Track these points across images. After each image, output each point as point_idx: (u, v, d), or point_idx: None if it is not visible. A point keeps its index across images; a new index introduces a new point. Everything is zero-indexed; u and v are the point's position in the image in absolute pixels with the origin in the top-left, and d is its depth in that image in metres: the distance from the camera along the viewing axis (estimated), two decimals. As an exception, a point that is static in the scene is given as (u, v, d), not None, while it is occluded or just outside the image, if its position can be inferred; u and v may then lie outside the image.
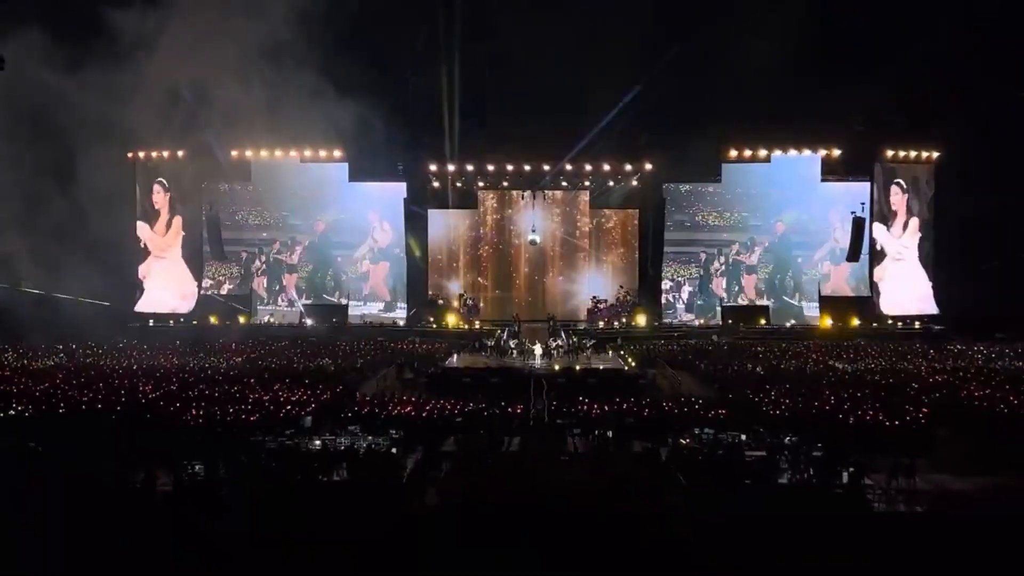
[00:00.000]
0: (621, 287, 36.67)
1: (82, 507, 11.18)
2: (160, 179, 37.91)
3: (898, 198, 36.79)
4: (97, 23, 29.37)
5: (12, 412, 18.58)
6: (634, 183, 37.41)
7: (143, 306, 37.21)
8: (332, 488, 13.33)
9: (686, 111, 34.20)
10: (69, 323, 31.65)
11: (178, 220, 37.94)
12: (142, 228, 37.95)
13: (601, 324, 34.35)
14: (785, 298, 36.96)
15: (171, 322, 36.46)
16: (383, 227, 37.63)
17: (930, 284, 36.56)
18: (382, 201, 37.54)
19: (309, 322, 36.42)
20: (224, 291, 37.90)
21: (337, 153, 36.86)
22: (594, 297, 36.10)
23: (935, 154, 36.55)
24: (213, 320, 36.24)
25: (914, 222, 36.85)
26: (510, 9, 32.81)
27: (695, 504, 12.39)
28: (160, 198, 37.94)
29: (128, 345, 30.42)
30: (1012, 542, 10.46)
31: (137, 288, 37.47)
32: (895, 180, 36.83)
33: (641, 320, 35.08)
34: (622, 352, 27.80)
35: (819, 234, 37.07)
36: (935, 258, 36.61)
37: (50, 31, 29.01)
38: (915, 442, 15.97)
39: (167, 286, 37.67)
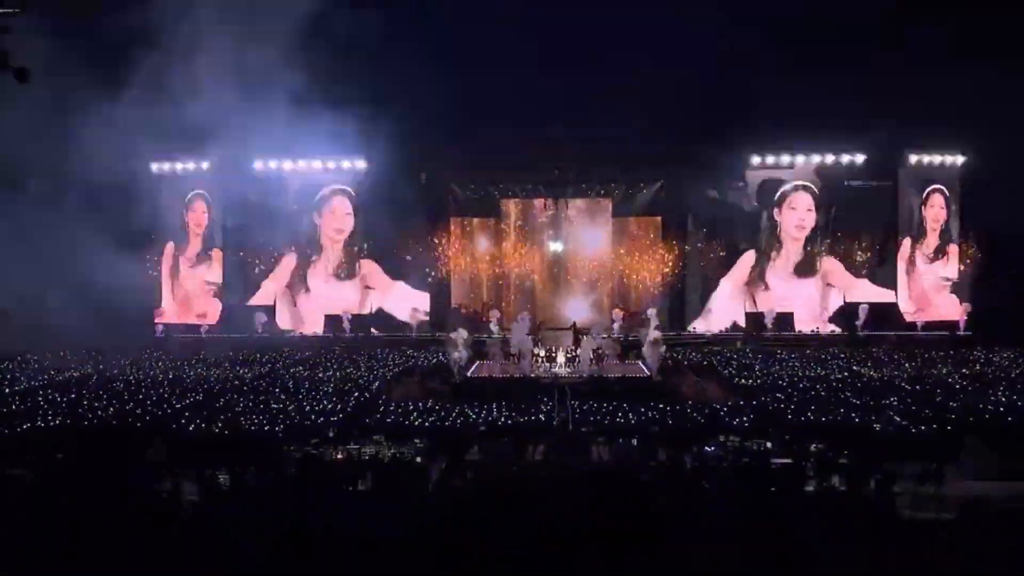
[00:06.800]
0: (647, 303, 36.49)
1: (109, 518, 11.24)
2: (200, 191, 37.69)
3: (936, 211, 36.28)
4: (116, 32, 29.68)
5: (39, 424, 18.77)
6: (656, 190, 37.22)
7: (166, 318, 37.23)
8: (357, 498, 13.35)
9: (709, 116, 34.20)
10: (92, 333, 31.89)
11: (213, 232, 37.93)
12: (169, 244, 37.95)
13: (626, 332, 34.17)
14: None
15: (199, 331, 36.51)
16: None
17: (952, 289, 36.20)
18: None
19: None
20: (253, 301, 37.67)
21: (360, 164, 36.87)
22: (619, 306, 35.94)
23: (960, 159, 36.13)
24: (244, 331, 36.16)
25: (946, 229, 36.39)
26: (528, 15, 33.00)
27: (720, 512, 12.32)
28: (199, 216, 37.83)
29: (152, 356, 30.66)
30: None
31: (156, 301, 37.43)
32: (937, 188, 36.30)
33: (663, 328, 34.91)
34: (646, 360, 27.73)
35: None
36: (961, 263, 36.21)
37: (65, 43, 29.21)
38: (942, 448, 15.85)
39: (190, 298, 37.64)
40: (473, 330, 30.64)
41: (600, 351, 27.36)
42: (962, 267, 35.85)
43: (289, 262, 37.55)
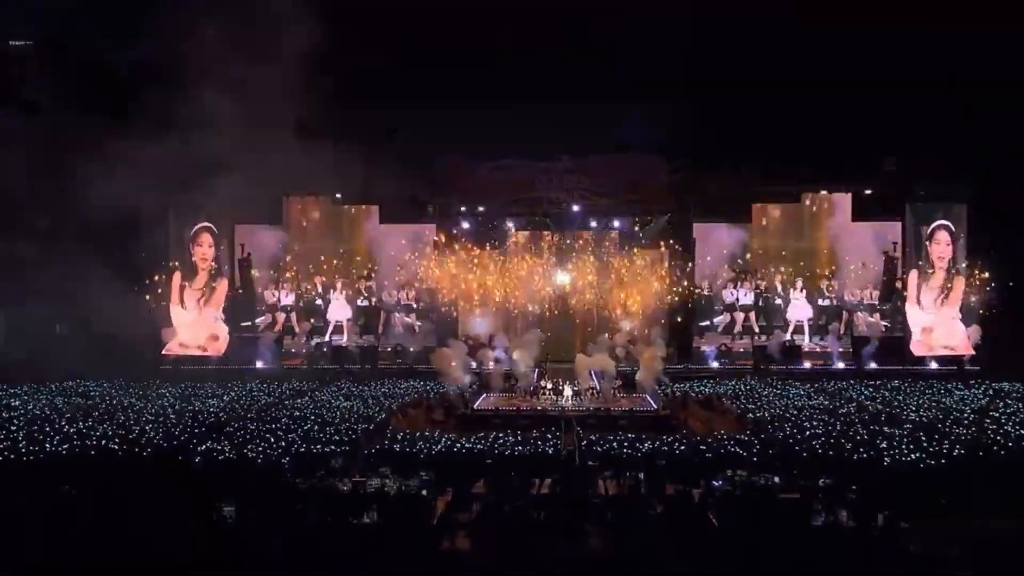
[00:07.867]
0: (651, 328, 36.41)
1: (115, 549, 11.23)
2: (206, 224, 37.51)
3: (941, 247, 36.04)
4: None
5: (43, 455, 18.73)
6: (663, 222, 37.27)
7: (171, 349, 37.02)
8: (362, 531, 13.29)
9: (715, 149, 34.43)
10: (99, 363, 31.94)
11: (220, 264, 37.84)
12: (176, 275, 37.42)
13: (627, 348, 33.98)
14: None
15: (206, 362, 36.40)
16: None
17: (962, 323, 35.98)
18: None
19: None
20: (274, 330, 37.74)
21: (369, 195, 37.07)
22: (622, 330, 35.75)
23: (968, 193, 36.06)
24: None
25: (953, 264, 36.20)
26: (535, 43, 33.32)
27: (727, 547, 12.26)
28: (207, 250, 37.60)
29: (159, 386, 30.58)
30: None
31: (163, 330, 37.14)
32: (942, 224, 36.11)
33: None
34: (641, 382, 27.79)
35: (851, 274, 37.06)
36: (969, 296, 36.05)
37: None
38: (951, 483, 15.75)
39: (197, 330, 37.22)
40: (477, 360, 30.64)
41: (602, 374, 27.41)
42: (969, 302, 35.70)
43: (298, 298, 37.94)
